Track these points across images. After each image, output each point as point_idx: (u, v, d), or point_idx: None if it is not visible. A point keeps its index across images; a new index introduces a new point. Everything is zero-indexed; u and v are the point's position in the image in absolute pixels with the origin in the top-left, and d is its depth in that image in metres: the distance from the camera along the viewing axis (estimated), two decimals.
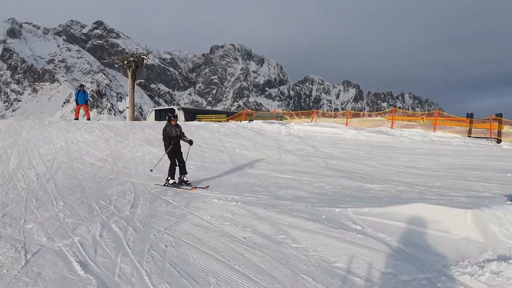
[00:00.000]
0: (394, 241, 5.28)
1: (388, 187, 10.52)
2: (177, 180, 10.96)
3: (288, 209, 7.29)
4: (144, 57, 38.77)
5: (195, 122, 28.28)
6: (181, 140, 11.28)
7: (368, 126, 28.77)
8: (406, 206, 6.35)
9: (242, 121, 30.60)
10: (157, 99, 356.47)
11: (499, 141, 22.92)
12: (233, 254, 4.97)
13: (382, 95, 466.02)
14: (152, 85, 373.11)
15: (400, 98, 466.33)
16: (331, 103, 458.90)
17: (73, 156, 15.16)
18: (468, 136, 24.70)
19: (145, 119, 46.74)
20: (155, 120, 37.31)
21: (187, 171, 11.26)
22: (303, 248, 5.08)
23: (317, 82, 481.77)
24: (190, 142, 11.41)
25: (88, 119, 24.77)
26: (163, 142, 11.32)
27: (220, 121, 30.94)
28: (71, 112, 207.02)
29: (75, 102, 25.23)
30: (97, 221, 6.76)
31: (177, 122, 11.58)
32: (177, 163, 11.06)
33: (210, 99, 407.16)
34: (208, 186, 10.46)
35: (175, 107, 39.96)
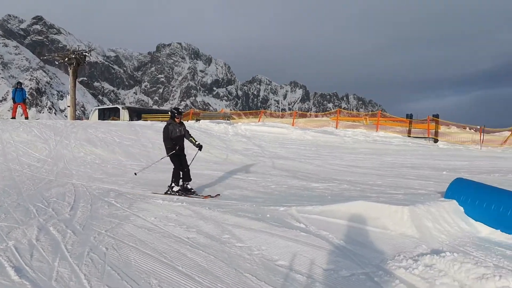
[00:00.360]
0: (336, 238, 5.42)
1: (332, 186, 10.78)
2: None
3: (233, 209, 7.31)
4: (86, 54, 37.52)
5: (140, 122, 27.69)
6: (185, 140, 9.99)
7: (314, 126, 29.36)
8: (347, 204, 6.54)
9: (189, 121, 30.31)
10: (101, 97, 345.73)
11: (436, 140, 24.08)
12: (177, 255, 4.91)
13: (328, 96, 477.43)
14: (96, 83, 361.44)
15: (345, 99, 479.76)
16: (278, 103, 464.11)
17: (10, 157, 14.40)
18: (408, 136, 25.80)
19: (88, 118, 45.28)
20: (99, 119, 36.19)
21: (191, 177, 9.79)
22: (247, 247, 5.11)
23: (265, 83, 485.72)
24: (199, 147, 10.08)
25: (26, 118, 23.64)
26: (163, 143, 9.81)
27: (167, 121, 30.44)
28: (8, 111, 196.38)
29: (12, 100, 24.01)
30: (33, 224, 6.46)
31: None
32: (182, 168, 9.67)
33: (157, 98, 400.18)
34: (219, 195, 9.16)
35: (119, 106, 38.95)
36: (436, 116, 25.75)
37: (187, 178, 9.64)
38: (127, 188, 10.20)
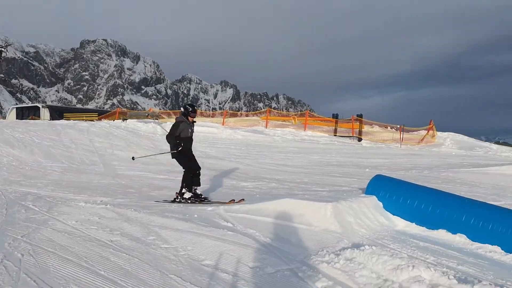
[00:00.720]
0: (262, 236, 5.49)
1: (261, 184, 10.93)
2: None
3: (160, 210, 7.17)
4: (3, 49, 35.16)
5: (61, 121, 26.39)
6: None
7: (244, 125, 29.63)
8: (274, 202, 6.65)
9: (116, 120, 29.39)
10: (19, 95, 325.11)
11: (360, 139, 25.20)
12: (99, 259, 4.72)
13: (259, 96, 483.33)
14: (14, 81, 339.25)
15: (275, 98, 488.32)
16: (209, 102, 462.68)
17: None
18: (334, 135, 26.78)
19: (4, 117, 42.38)
20: (17, 118, 34.06)
21: (200, 182, 8.65)
22: (173, 248, 5.03)
23: (195, 82, 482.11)
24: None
25: None
26: (166, 140, 8.55)
27: (92, 120, 29.29)
28: None
29: None
30: None
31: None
32: (195, 170, 8.49)
33: (81, 96, 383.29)
34: (243, 199, 7.84)
35: (39, 105, 36.90)
36: (360, 116, 26.95)
37: (197, 182, 8.48)
38: (46, 191, 9.66)
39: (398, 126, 26.46)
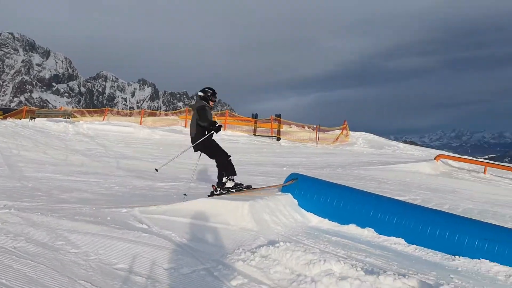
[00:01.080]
0: (178, 237, 5.41)
1: (179, 185, 10.79)
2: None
3: (70, 213, 6.79)
4: None
5: None
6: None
7: (162, 125, 29.15)
8: (191, 202, 6.59)
9: (22, 119, 27.51)
10: None
11: (278, 139, 25.76)
12: (0, 267, 4.37)
13: (178, 95, 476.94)
14: None
15: (195, 98, 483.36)
16: (126, 101, 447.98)
17: None
18: (254, 134, 27.13)
19: None
20: None
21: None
22: (83, 253, 4.78)
23: (111, 79, 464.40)
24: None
25: None
26: (197, 125, 7.61)
27: None
28: None
29: None
30: None
31: None
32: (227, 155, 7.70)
33: None
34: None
35: None
36: (279, 116, 27.56)
37: (233, 171, 7.68)
38: None
39: (315, 126, 27.46)
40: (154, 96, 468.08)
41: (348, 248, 5.41)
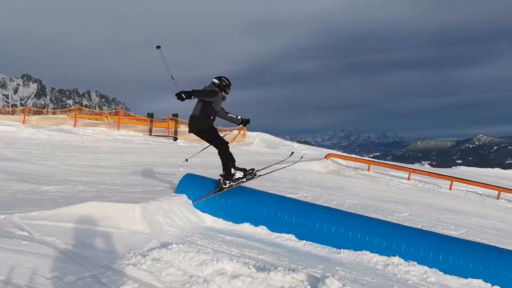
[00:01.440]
0: (63, 243, 5.06)
1: (66, 188, 10.09)
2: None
3: None
4: None
5: None
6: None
7: (49, 124, 27.32)
8: (78, 206, 6.20)
9: None
10: None
11: (175, 139, 25.44)
12: None
13: (68, 92, 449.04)
14: None
15: (86, 96, 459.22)
16: (8, 98, 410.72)
17: None
18: (149, 134, 26.50)
19: None
20: None
21: None
22: None
23: None
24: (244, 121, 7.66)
25: None
26: (202, 106, 7.00)
27: None
28: None
29: None
30: None
31: None
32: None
33: None
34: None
35: None
36: (176, 115, 27.22)
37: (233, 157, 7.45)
38: None
39: None
40: (40, 93, 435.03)
41: (241, 247, 5.50)
